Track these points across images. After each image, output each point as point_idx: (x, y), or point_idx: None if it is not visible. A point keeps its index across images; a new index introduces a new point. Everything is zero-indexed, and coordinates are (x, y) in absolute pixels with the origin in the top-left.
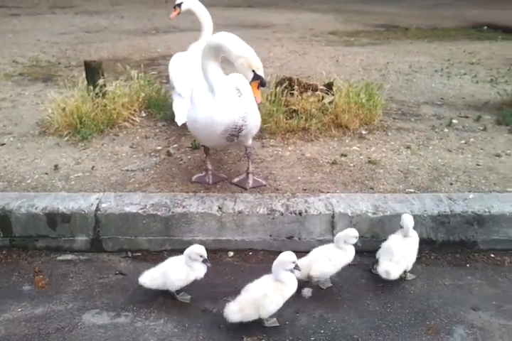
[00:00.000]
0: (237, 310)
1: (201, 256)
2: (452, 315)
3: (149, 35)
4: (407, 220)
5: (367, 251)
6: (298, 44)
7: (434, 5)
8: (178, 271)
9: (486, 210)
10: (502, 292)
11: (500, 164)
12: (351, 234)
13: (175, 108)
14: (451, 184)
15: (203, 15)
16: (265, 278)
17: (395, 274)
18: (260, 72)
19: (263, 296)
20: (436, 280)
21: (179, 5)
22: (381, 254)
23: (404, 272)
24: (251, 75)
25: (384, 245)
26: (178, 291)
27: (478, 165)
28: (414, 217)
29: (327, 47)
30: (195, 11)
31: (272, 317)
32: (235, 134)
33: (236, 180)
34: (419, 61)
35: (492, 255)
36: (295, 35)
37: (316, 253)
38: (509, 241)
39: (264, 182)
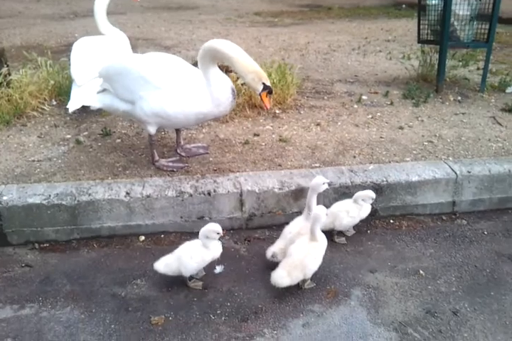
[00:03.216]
0: (285, 275)
1: (218, 234)
2: (351, 278)
3: (67, 20)
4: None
5: (276, 225)
6: (222, 25)
7: None
8: (193, 253)
9: (384, 180)
10: (397, 253)
11: (402, 136)
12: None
13: (72, 95)
14: (355, 157)
15: None
16: (302, 239)
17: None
18: (268, 83)
19: (306, 257)
20: (339, 248)
21: None
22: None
23: (332, 235)
24: (261, 87)
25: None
26: (191, 278)
27: (381, 137)
28: None
29: (251, 28)
30: None
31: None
32: None
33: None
34: (338, 40)
35: (391, 221)
36: (220, 17)
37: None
38: (406, 206)
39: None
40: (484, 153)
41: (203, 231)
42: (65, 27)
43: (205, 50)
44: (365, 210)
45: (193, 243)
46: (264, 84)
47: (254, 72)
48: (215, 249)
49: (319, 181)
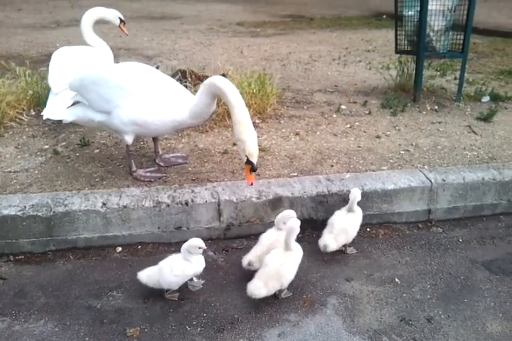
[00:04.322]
0: (262, 285)
1: (200, 248)
2: (328, 287)
3: (49, 29)
4: (354, 194)
5: (254, 234)
6: (204, 35)
7: None
8: (174, 267)
9: (360, 188)
10: (374, 261)
11: (379, 145)
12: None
13: (48, 103)
14: (332, 166)
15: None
16: (277, 250)
17: (332, 246)
18: (253, 159)
19: (282, 266)
20: (316, 257)
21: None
22: (325, 228)
23: (344, 246)
24: (244, 159)
25: (329, 220)
26: (168, 289)
27: (359, 147)
28: (295, 198)
29: (233, 38)
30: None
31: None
32: None
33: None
34: (319, 50)
35: (368, 229)
36: (202, 27)
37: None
38: (382, 215)
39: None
40: (459, 161)
41: (185, 246)
42: (46, 37)
43: (211, 85)
44: (359, 215)
45: (177, 256)
46: (247, 157)
47: (243, 142)
48: (198, 264)
49: (289, 214)
